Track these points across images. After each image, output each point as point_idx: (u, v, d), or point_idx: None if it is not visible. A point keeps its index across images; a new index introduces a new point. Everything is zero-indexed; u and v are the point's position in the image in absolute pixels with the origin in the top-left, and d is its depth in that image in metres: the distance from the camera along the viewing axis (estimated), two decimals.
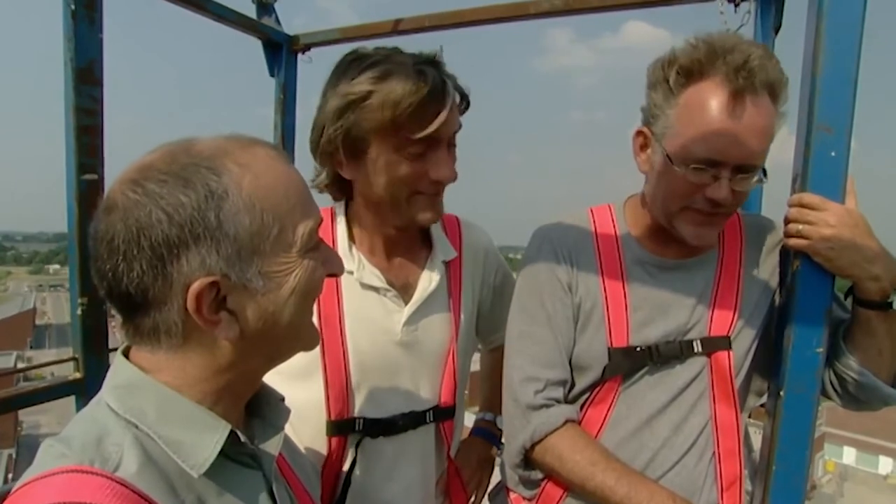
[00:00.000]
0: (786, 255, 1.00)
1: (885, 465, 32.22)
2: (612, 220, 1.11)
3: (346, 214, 1.11)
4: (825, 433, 31.27)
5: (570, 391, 1.06)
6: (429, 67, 0.95)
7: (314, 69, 1.97)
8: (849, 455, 33.06)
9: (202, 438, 0.59)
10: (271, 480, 0.65)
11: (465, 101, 1.03)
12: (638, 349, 1.01)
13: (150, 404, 0.58)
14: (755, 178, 0.95)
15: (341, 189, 1.07)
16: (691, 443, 1.02)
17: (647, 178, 1.06)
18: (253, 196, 0.56)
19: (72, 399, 1.42)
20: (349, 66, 0.98)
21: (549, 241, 1.10)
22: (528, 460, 1.04)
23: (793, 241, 0.92)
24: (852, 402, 1.03)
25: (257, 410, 0.70)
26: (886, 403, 1.01)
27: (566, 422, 1.00)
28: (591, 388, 1.04)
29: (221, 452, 0.59)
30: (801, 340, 0.95)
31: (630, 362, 1.01)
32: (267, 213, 0.57)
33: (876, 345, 0.97)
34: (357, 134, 0.95)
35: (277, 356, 0.66)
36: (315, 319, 1.00)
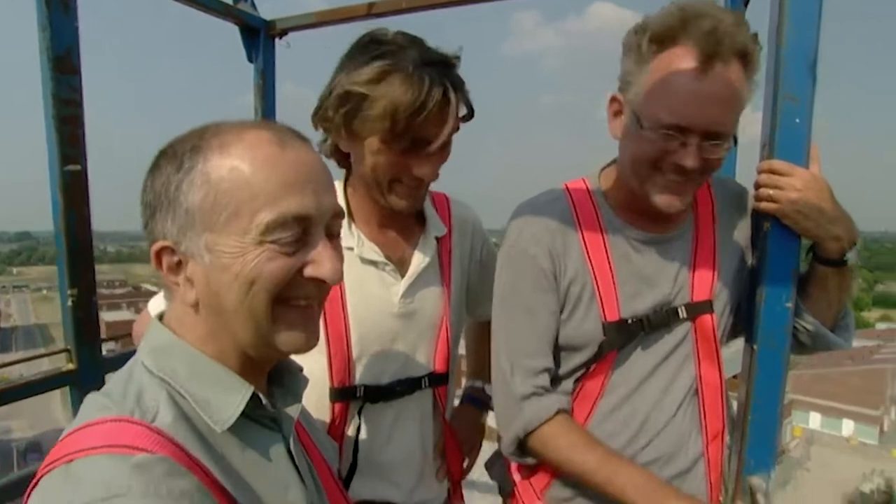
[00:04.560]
0: (756, 217, 1.07)
1: (847, 427, 33.79)
2: (590, 195, 1.11)
3: (346, 189, 1.14)
4: (792, 400, 32.57)
5: (563, 370, 1.10)
6: (432, 71, 0.97)
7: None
8: (814, 420, 34.54)
9: (227, 398, 0.63)
10: (290, 442, 0.69)
11: (468, 108, 1.06)
12: (630, 322, 1.05)
13: (181, 365, 0.63)
14: (725, 146, 0.96)
15: (342, 158, 1.11)
16: (679, 402, 1.08)
17: (620, 146, 1.06)
18: (212, 174, 0.59)
19: (43, 403, 1.42)
20: (360, 51, 1.01)
21: (529, 227, 1.08)
22: (522, 448, 1.08)
23: (763, 205, 0.99)
24: (799, 349, 1.12)
25: (278, 380, 0.73)
26: (829, 348, 1.10)
27: (558, 411, 1.04)
28: (586, 363, 1.07)
29: (244, 413, 0.63)
30: (772, 297, 1.02)
31: (624, 335, 1.05)
32: (223, 193, 0.59)
33: (827, 298, 1.05)
34: (354, 126, 1.01)
35: (249, 342, 0.64)
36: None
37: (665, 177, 0.97)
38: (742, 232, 1.13)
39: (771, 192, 0.97)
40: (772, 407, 1.05)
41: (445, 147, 1.05)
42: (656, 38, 0.93)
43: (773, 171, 0.98)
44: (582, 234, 1.07)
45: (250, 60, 1.94)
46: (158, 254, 0.63)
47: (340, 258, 0.67)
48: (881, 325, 60.76)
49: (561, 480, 1.11)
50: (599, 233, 1.08)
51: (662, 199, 0.99)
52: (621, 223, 1.09)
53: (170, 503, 0.50)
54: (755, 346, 1.04)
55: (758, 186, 1.00)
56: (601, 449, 1.01)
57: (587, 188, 1.12)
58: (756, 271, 1.06)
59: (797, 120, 0.96)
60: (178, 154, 0.61)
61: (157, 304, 1.14)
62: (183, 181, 0.60)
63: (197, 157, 0.60)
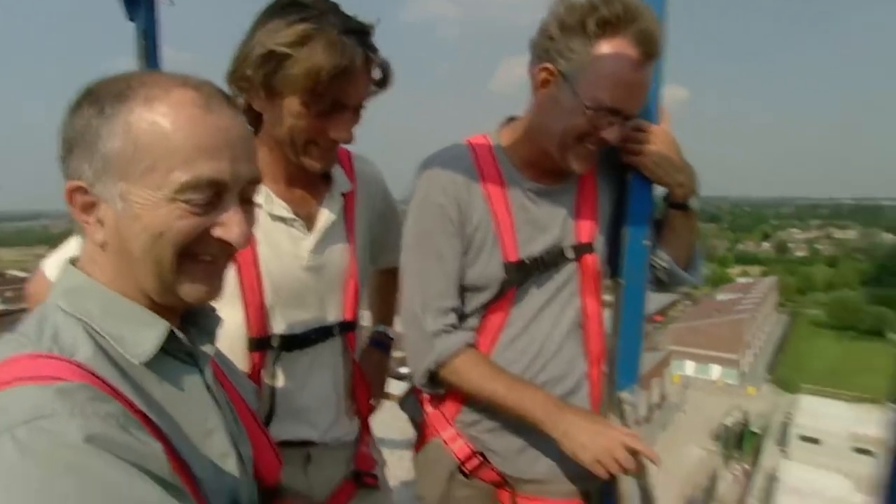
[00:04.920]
0: (621, 169, 1.24)
1: (715, 371, 38.28)
2: (491, 151, 1.23)
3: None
4: (671, 351, 36.22)
5: (469, 308, 1.21)
6: (353, 39, 1.01)
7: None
8: (689, 367, 38.71)
9: (142, 333, 0.65)
10: (206, 375, 0.73)
11: (385, 73, 1.10)
12: (527, 262, 1.19)
13: (94, 304, 0.65)
14: (630, 123, 1.13)
15: (254, 118, 1.11)
16: (566, 331, 1.24)
17: (537, 111, 1.16)
18: (133, 126, 0.60)
19: None
20: (280, 13, 1.01)
21: (438, 179, 1.18)
22: (433, 380, 1.20)
23: (626, 158, 1.17)
24: (659, 286, 1.32)
25: (192, 321, 0.76)
26: (682, 285, 1.31)
27: (466, 346, 1.17)
28: (489, 301, 1.20)
29: (161, 349, 0.66)
30: (633, 236, 1.20)
31: (522, 274, 1.19)
32: (141, 146, 0.60)
33: (677, 239, 1.26)
34: (275, 85, 1.02)
35: (153, 289, 0.66)
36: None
37: (586, 147, 1.11)
38: (615, 183, 1.29)
39: (633, 146, 1.15)
40: (635, 332, 1.24)
41: (360, 111, 1.10)
42: (603, 23, 1.02)
43: (634, 128, 1.14)
44: (484, 185, 1.19)
45: (131, 19, 1.81)
46: (72, 192, 0.64)
47: (251, 223, 0.69)
48: (741, 280, 68.84)
49: (468, 407, 1.24)
50: (500, 185, 1.20)
51: (580, 165, 1.14)
52: (519, 176, 1.21)
53: (96, 422, 0.52)
54: (621, 280, 1.22)
55: (623, 141, 1.17)
56: (506, 377, 1.15)
57: (488, 144, 1.23)
58: (620, 215, 1.23)
59: (651, 84, 1.13)
60: (100, 98, 0.62)
61: (52, 263, 1.10)
62: (102, 126, 0.61)
63: (120, 105, 0.61)
